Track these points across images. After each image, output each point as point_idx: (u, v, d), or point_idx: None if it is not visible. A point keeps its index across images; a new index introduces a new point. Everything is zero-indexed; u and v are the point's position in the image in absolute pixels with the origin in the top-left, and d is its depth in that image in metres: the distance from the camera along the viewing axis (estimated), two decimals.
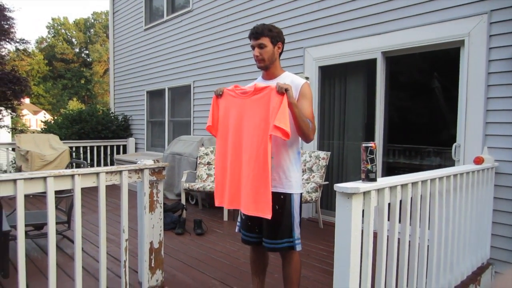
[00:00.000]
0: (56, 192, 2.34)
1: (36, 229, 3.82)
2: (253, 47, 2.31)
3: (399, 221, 2.15)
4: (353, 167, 4.95)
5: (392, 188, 2.01)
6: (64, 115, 9.19)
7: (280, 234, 2.27)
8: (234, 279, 3.11)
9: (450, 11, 3.80)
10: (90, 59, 46.65)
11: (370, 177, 1.85)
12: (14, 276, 2.67)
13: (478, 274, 3.20)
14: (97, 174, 2.49)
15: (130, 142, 9.04)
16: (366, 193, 1.83)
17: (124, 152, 9.02)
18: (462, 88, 3.79)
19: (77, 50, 48.49)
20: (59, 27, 48.09)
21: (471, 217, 3.02)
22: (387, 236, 2.03)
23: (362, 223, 1.84)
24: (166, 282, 2.96)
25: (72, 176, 2.37)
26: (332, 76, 5.04)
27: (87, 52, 48.14)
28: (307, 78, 5.00)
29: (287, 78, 2.33)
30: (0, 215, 2.57)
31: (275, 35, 2.29)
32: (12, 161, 7.85)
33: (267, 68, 2.34)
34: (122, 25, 9.59)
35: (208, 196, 5.88)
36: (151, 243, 2.84)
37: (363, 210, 1.85)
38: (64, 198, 4.07)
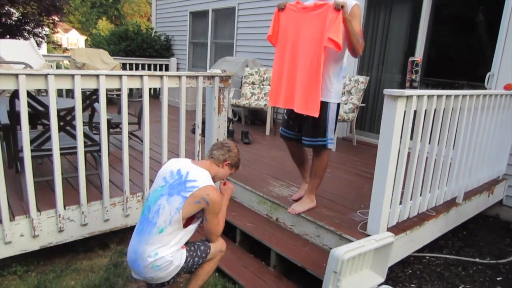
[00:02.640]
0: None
1: (112, 128, 4.47)
2: None
3: (431, 128, 2.62)
4: None
5: (430, 97, 2.45)
6: (112, 32, 9.63)
7: (315, 134, 2.77)
8: (283, 175, 3.72)
9: None
10: None
11: (413, 85, 2.30)
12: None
13: (492, 185, 3.71)
14: (179, 77, 3.02)
15: (172, 62, 9.49)
16: (409, 97, 2.28)
17: (167, 71, 9.54)
18: (504, 20, 3.97)
19: None
20: None
21: (493, 135, 3.45)
22: (421, 137, 2.52)
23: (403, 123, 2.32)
24: None
25: (161, 77, 2.91)
26: (378, 5, 5.21)
27: None
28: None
29: None
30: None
31: None
32: None
33: None
34: None
35: (251, 113, 6.45)
36: (218, 139, 3.43)
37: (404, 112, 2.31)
38: (134, 102, 4.70)
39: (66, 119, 2.84)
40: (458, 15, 5.17)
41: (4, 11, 11.52)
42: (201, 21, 8.67)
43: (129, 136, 4.64)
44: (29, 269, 2.69)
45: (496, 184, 3.77)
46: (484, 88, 4.18)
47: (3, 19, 12.30)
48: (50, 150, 2.63)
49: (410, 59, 2.28)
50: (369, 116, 5.60)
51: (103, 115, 2.70)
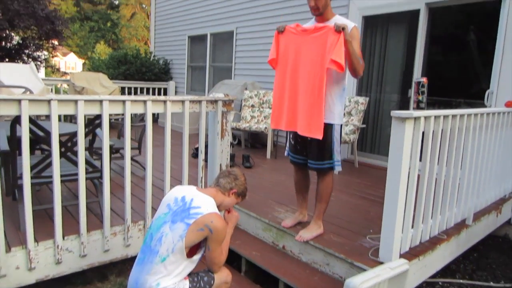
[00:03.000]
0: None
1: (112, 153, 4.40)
2: None
3: (439, 149, 2.58)
4: (388, 114, 5.30)
5: (436, 117, 2.42)
6: (111, 55, 9.69)
7: (322, 157, 2.71)
8: (287, 200, 3.63)
9: None
10: (117, 2, 46.23)
11: (420, 106, 2.27)
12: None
13: (500, 204, 3.65)
14: (183, 102, 2.98)
15: (171, 85, 9.48)
16: (416, 119, 2.23)
17: (165, 94, 9.53)
18: (500, 38, 4.00)
19: None
20: None
21: (498, 153, 3.42)
22: (430, 158, 2.47)
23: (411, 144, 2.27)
24: None
25: (165, 102, 2.86)
26: (375, 27, 5.26)
27: None
28: None
29: (338, 21, 2.63)
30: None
31: None
32: None
33: (322, 14, 2.65)
34: None
35: (251, 136, 6.40)
36: (220, 165, 3.37)
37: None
38: (134, 126, 4.63)
39: (67, 145, 2.77)
40: (453, 34, 5.24)
41: (4, 35, 11.60)
42: (199, 45, 8.74)
43: (133, 160, 4.57)
44: None
45: (503, 203, 3.71)
46: (483, 105, 4.17)
47: (3, 43, 12.40)
48: (50, 177, 2.57)
49: (416, 80, 2.26)
50: (369, 137, 5.56)
51: (105, 141, 2.63)
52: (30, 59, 12.84)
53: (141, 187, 3.69)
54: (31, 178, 2.40)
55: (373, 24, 5.26)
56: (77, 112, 2.45)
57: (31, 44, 12.75)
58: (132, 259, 2.91)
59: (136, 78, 9.18)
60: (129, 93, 8.78)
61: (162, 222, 1.99)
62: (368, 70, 5.42)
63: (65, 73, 16.85)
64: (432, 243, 2.71)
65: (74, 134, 2.79)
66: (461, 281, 3.16)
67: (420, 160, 2.42)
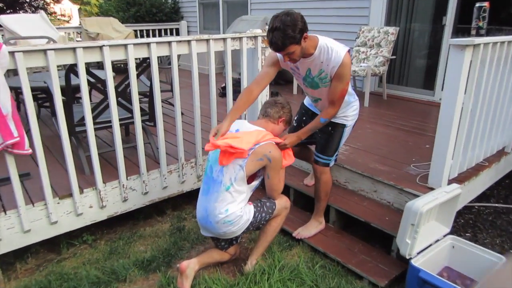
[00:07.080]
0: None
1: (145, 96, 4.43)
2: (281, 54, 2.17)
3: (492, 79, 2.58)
4: (419, 45, 5.19)
5: (493, 45, 2.39)
6: None
7: (325, 151, 2.52)
8: None
9: None
10: None
11: (480, 33, 2.23)
12: None
13: None
14: (224, 39, 2.96)
15: (183, 25, 9.23)
16: (476, 46, 2.22)
17: (178, 35, 9.30)
18: None
19: None
20: None
21: None
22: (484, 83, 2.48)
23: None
24: None
25: (207, 40, 2.85)
26: None
27: None
28: None
29: (322, 55, 2.20)
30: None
31: (298, 36, 2.05)
32: None
33: (303, 57, 2.23)
34: None
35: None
36: (267, 96, 3.44)
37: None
38: (164, 69, 4.62)
39: (118, 90, 2.82)
40: None
41: None
42: None
43: (164, 103, 4.60)
44: (96, 238, 2.78)
45: None
46: None
47: None
48: (104, 122, 2.66)
49: (477, 4, 2.19)
50: (397, 69, 5.49)
51: (156, 84, 2.67)
52: (32, 9, 12.52)
53: (184, 130, 3.76)
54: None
55: None
56: (128, 56, 2.46)
57: None
58: (187, 194, 3.09)
59: (147, 20, 8.92)
60: (142, 36, 8.58)
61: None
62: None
63: (65, 20, 16.47)
64: (476, 169, 2.82)
65: (122, 80, 2.83)
66: (496, 205, 3.31)
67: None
